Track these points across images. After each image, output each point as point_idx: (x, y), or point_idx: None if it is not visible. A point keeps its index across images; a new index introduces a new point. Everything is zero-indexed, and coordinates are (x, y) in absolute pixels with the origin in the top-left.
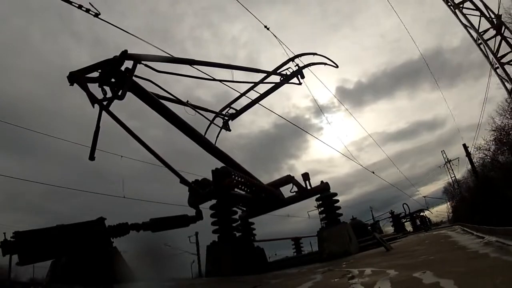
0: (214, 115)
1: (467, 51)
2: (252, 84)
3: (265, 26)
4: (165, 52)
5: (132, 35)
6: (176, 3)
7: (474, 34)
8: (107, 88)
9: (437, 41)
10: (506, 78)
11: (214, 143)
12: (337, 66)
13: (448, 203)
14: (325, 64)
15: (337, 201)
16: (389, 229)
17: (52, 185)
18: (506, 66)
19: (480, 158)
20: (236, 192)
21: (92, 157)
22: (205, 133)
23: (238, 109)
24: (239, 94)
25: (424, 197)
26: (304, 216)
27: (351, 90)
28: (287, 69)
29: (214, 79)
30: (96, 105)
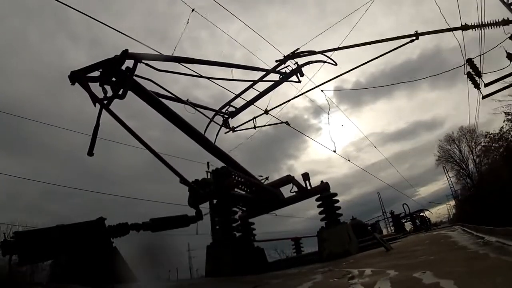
0: (213, 113)
1: (467, 51)
2: (251, 83)
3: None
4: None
5: (128, 36)
6: (174, 3)
7: None
8: (107, 87)
9: (436, 41)
10: None
11: (213, 141)
12: (336, 64)
13: (452, 202)
14: (324, 62)
15: (337, 201)
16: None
17: (54, 184)
18: None
19: None
20: (236, 192)
21: (90, 153)
22: (205, 131)
23: (237, 107)
24: (238, 93)
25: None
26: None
27: (350, 90)
28: (286, 67)
29: (214, 78)
30: (97, 104)
